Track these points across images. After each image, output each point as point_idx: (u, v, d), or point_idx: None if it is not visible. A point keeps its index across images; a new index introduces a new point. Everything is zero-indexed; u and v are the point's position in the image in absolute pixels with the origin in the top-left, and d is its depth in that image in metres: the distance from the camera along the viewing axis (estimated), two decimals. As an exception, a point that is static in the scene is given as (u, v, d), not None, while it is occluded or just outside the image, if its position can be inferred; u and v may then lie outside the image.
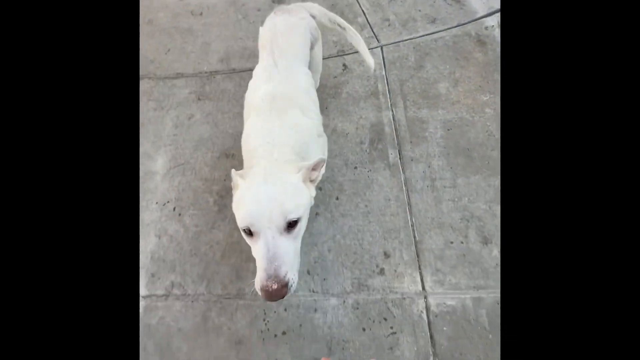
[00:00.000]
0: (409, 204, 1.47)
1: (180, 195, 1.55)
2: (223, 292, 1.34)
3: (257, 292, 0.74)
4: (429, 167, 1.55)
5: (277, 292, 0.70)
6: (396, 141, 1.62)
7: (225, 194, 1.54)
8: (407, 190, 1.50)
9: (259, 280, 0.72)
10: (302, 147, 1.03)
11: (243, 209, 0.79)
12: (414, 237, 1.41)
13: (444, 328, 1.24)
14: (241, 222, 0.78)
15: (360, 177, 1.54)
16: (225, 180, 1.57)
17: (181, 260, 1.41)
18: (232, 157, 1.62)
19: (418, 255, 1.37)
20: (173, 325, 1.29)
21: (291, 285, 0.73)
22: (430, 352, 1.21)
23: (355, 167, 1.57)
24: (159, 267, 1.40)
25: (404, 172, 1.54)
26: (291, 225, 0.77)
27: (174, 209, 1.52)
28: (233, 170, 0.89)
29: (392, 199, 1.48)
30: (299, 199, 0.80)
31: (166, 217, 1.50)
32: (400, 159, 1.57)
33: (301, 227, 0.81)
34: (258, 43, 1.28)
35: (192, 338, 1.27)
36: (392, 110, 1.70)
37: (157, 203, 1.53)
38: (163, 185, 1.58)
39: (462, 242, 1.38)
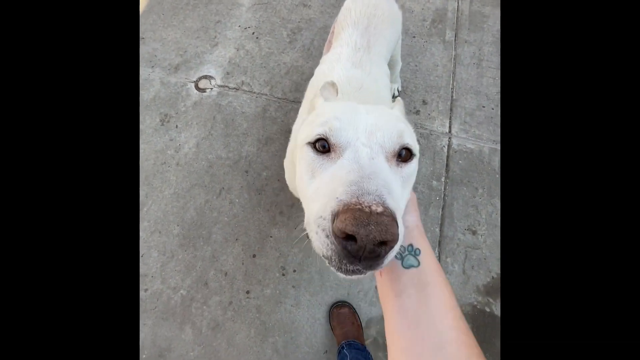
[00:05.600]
0: (454, 72, 1.66)
1: (259, 25, 1.80)
2: (282, 96, 1.60)
3: (315, 240, 0.38)
4: (480, 50, 1.72)
5: (380, 217, 0.33)
6: (455, 25, 1.79)
7: (297, 32, 1.77)
8: (455, 63, 1.69)
9: (342, 192, 0.36)
10: None
11: (327, 115, 0.49)
12: (452, 95, 1.60)
13: (460, 161, 1.46)
14: (318, 128, 0.46)
15: (416, 44, 1.73)
16: (299, 21, 1.80)
17: (252, 68, 1.67)
18: (309, 7, 1.85)
19: (451, 109, 1.57)
20: (238, 109, 1.57)
21: (396, 236, 0.34)
22: (443, 174, 1.43)
23: (414, 37, 1.76)
24: (233, 69, 1.67)
25: (455, 49, 1.72)
26: (404, 158, 0.47)
27: (253, 33, 1.77)
28: (318, 91, 0.64)
29: (440, 66, 1.67)
30: (412, 133, 0.51)
31: (245, 37, 1.76)
32: (455, 39, 1.75)
33: (413, 172, 0.48)
34: (341, 15, 1.04)
35: (252, 120, 1.54)
36: (458, 2, 1.86)
37: (239, 26, 1.79)
38: (247, 15, 1.83)
39: (492, 109, 1.57)
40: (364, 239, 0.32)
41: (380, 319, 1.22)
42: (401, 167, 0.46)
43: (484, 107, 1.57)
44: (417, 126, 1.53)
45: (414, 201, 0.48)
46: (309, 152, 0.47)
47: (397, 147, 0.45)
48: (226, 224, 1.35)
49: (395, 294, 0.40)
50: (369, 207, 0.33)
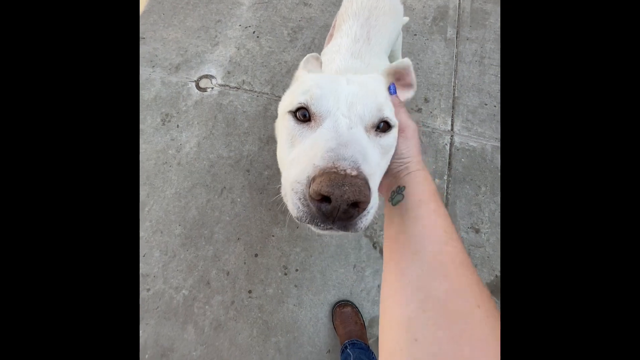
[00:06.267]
0: (456, 70, 1.65)
1: (260, 24, 1.79)
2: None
3: (288, 200, 0.40)
4: (482, 47, 1.71)
5: (354, 179, 0.35)
6: (457, 23, 1.78)
7: (298, 31, 1.77)
8: (457, 60, 1.68)
9: (319, 158, 0.38)
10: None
11: (308, 84, 0.50)
12: (454, 93, 1.59)
13: (462, 159, 1.45)
14: (300, 96, 0.47)
15: (417, 42, 1.72)
16: (300, 20, 1.80)
17: (253, 67, 1.67)
18: (310, 6, 1.84)
19: (454, 107, 1.56)
20: (239, 108, 1.57)
21: (369, 204, 0.37)
22: (446, 172, 1.43)
23: (415, 35, 1.75)
24: (234, 68, 1.66)
25: (457, 47, 1.71)
26: (382, 129, 0.48)
27: (254, 32, 1.77)
28: (302, 63, 0.66)
29: (442, 63, 1.67)
30: (391, 106, 0.51)
31: (246, 37, 1.76)
32: (457, 36, 1.74)
33: (392, 142, 0.49)
34: (342, 7, 1.04)
35: (253, 119, 1.54)
36: (460, -1, 1.85)
37: (240, 25, 1.79)
38: (247, 14, 1.82)
39: (495, 106, 1.56)
40: (338, 199, 0.33)
41: (383, 318, 1.21)
42: (380, 136, 0.47)
43: (486, 104, 1.56)
44: (418, 124, 1.52)
45: (415, 131, 0.50)
46: (290, 121, 0.48)
47: (376, 120, 0.47)
48: (228, 224, 1.35)
49: (386, 227, 0.45)
50: (344, 170, 0.35)
